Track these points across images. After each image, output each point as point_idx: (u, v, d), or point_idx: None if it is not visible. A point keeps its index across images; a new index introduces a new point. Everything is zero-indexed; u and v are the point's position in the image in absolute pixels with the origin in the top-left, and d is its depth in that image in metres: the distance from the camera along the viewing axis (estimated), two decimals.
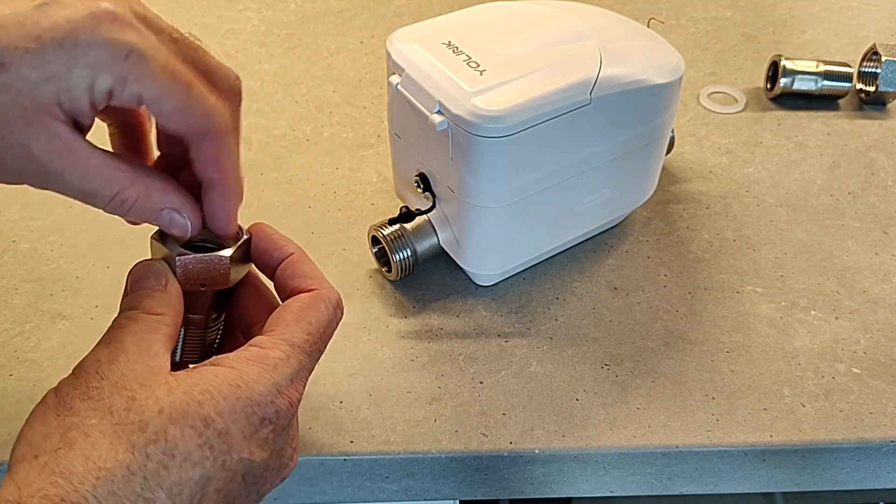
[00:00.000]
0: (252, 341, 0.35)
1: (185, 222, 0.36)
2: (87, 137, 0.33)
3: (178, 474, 0.30)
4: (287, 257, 0.38)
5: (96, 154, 0.33)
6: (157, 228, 0.37)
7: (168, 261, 0.37)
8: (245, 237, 0.39)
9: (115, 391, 0.31)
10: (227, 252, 0.37)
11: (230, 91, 0.36)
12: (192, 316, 0.38)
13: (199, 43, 0.35)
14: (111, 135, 0.39)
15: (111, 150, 0.38)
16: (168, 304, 0.36)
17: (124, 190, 0.34)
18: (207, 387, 0.32)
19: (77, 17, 0.30)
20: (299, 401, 0.35)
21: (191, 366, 0.36)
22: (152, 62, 0.32)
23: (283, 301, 0.38)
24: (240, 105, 0.37)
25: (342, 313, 0.38)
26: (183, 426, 0.31)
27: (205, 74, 0.35)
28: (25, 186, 0.38)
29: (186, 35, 0.34)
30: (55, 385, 0.33)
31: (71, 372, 0.33)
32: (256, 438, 0.33)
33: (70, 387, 0.32)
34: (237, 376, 0.33)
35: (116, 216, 0.35)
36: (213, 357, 0.35)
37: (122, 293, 0.50)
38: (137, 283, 0.37)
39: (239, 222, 0.39)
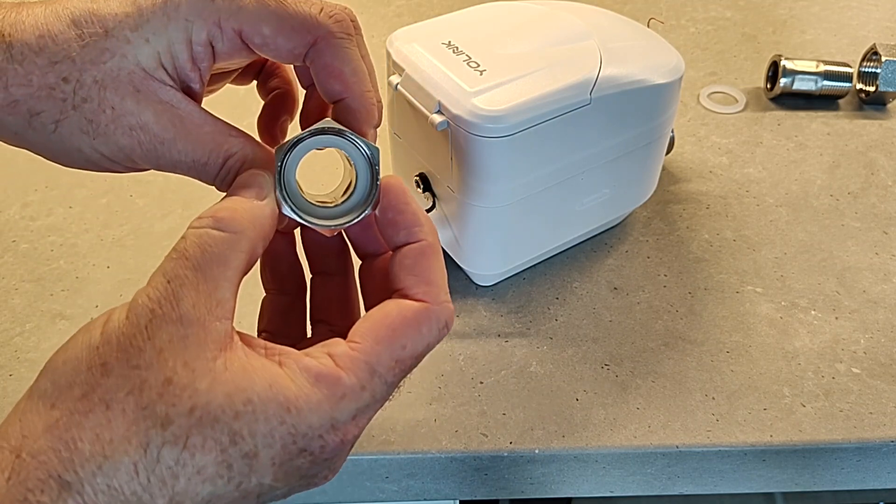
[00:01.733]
0: (330, 349, 0.30)
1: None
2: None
3: (185, 486, 0.27)
4: (415, 243, 0.32)
5: (208, 120, 0.33)
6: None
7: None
8: (369, 204, 0.33)
9: (155, 361, 0.27)
10: (343, 221, 0.33)
11: (337, 13, 0.33)
12: None
13: None
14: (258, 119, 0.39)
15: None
16: (253, 221, 0.30)
17: (231, 155, 0.33)
18: (253, 398, 0.27)
19: None
20: (356, 437, 0.30)
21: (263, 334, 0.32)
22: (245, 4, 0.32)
23: (382, 293, 0.32)
24: (352, 25, 0.34)
25: (447, 333, 0.32)
26: (207, 436, 0.27)
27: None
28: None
29: None
30: (113, 307, 0.29)
31: (128, 304, 0.29)
32: (288, 467, 0.28)
33: (119, 334, 0.28)
34: (292, 398, 0.28)
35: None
36: (284, 350, 0.30)
37: (121, 293, 0.51)
38: (233, 191, 0.32)
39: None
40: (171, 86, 0.32)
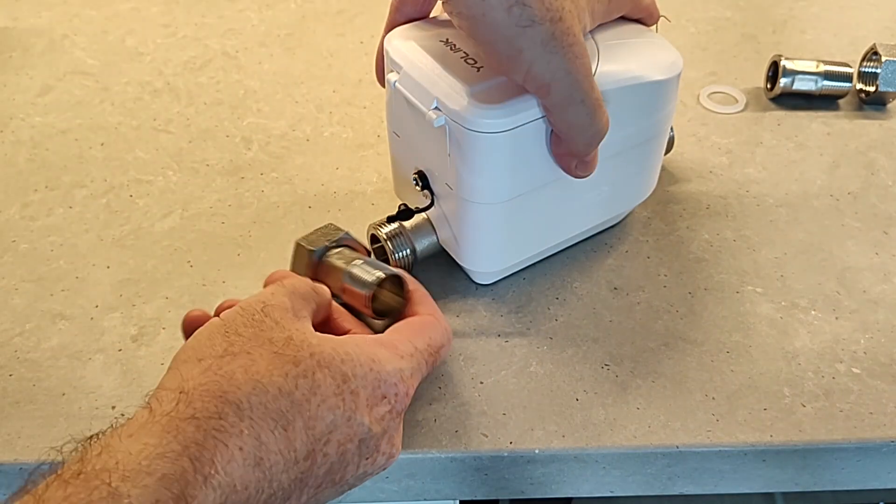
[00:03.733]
0: (382, 335, 0.41)
1: None
2: None
3: (316, 411, 0.34)
4: (414, 289, 0.46)
5: (358, 341, 0.41)
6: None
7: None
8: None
9: (275, 327, 0.36)
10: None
11: None
12: None
13: None
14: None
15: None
16: (322, 295, 0.42)
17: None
18: (349, 350, 0.37)
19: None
20: (410, 396, 0.39)
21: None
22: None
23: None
24: None
25: (451, 346, 0.44)
26: (327, 374, 0.35)
27: None
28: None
29: None
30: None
31: (236, 306, 0.38)
32: (376, 411, 0.36)
33: (236, 315, 0.37)
34: (373, 352, 0.38)
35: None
36: (349, 335, 0.40)
37: (121, 293, 0.51)
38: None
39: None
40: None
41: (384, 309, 0.46)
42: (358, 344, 0.38)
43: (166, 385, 0.34)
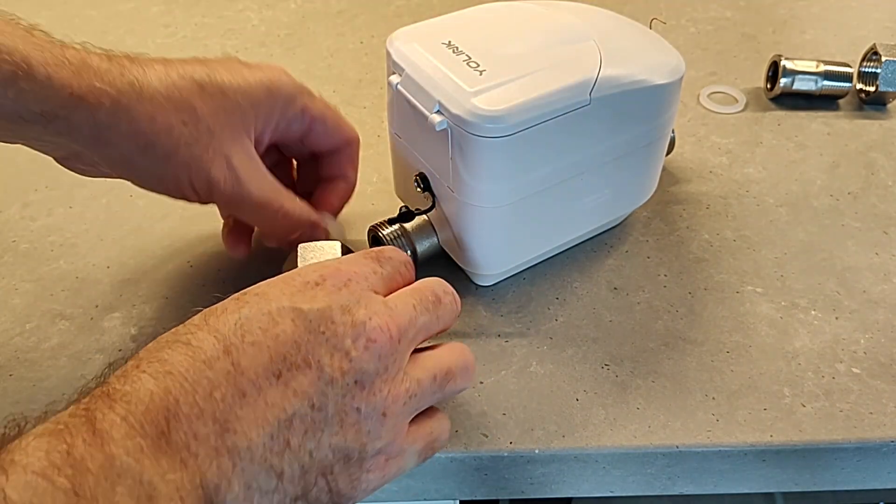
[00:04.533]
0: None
1: (320, 235, 0.47)
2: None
3: (217, 315, 0.33)
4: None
5: (269, 173, 0.45)
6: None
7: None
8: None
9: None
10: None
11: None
12: None
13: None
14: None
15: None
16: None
17: (285, 201, 0.45)
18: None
19: (273, 73, 0.45)
20: (357, 275, 0.36)
21: None
22: (316, 97, 0.47)
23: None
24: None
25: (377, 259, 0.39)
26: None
27: None
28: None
29: None
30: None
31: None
32: (302, 294, 0.34)
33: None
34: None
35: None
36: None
37: (121, 293, 0.51)
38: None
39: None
40: (251, 143, 0.43)
41: None
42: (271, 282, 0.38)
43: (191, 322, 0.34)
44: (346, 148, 0.49)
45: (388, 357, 0.34)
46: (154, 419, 0.29)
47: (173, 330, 0.33)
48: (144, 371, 0.31)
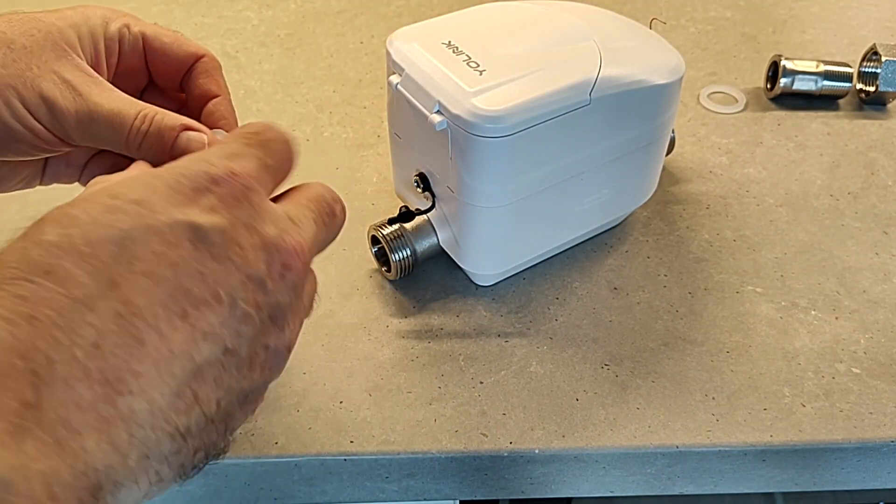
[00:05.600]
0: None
1: (202, 137, 0.38)
2: None
3: (87, 234, 0.25)
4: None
5: (113, 87, 0.39)
6: None
7: None
8: None
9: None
10: None
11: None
12: None
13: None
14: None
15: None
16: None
17: (145, 107, 0.38)
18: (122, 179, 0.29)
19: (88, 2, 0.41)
20: (249, 175, 0.30)
21: None
22: (145, 21, 0.43)
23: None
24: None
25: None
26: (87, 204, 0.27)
27: None
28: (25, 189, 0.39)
29: None
30: None
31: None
32: (196, 205, 0.28)
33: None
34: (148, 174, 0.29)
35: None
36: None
37: None
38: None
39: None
40: (83, 60, 0.39)
41: None
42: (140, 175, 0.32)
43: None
44: (200, 64, 0.43)
45: (300, 285, 0.30)
46: (14, 386, 0.22)
47: (16, 247, 0.25)
48: None
